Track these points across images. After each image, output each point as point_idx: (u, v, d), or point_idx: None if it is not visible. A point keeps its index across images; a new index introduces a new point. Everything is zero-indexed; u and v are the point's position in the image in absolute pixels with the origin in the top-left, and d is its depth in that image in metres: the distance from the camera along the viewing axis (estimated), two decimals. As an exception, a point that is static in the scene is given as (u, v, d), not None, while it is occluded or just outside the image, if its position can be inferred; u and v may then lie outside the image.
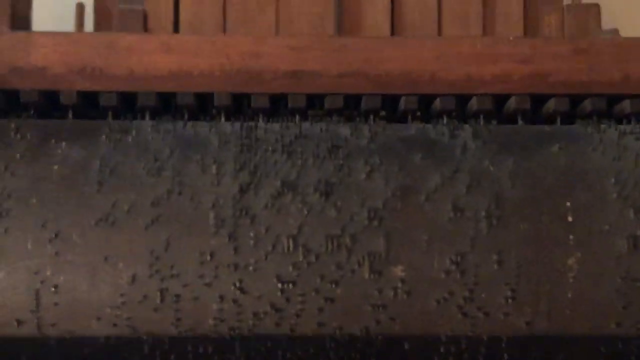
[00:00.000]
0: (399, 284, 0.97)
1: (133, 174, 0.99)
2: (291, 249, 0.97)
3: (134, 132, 1.01)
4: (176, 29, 1.24)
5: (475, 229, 0.98)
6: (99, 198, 0.98)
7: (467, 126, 1.03)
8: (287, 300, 0.97)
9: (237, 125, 1.03)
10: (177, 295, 0.97)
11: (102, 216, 0.97)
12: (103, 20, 1.21)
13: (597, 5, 1.23)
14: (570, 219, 0.97)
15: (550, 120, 1.10)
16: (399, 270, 0.97)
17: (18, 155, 0.98)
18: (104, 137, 1.00)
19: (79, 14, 1.22)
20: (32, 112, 1.07)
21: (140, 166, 0.99)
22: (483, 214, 0.98)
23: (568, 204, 0.97)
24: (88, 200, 0.98)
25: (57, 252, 0.97)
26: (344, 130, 1.02)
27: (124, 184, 0.99)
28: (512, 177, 1.00)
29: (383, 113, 1.11)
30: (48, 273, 0.96)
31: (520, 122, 1.09)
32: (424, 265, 0.97)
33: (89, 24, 1.24)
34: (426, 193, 0.99)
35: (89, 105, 1.08)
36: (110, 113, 1.08)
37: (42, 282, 0.96)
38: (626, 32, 1.20)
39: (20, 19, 1.13)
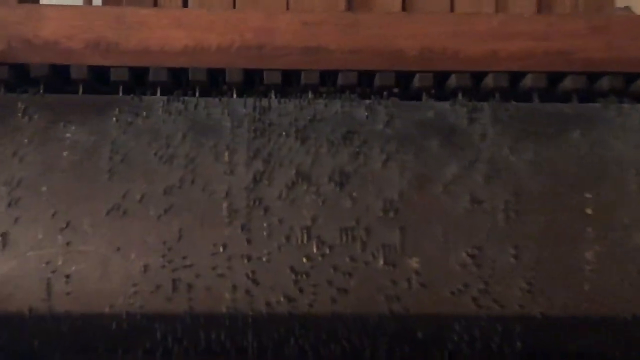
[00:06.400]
0: (413, 276, 0.86)
1: (144, 160, 0.88)
2: (305, 240, 0.87)
3: (144, 114, 0.88)
4: (185, 5, 1.07)
5: (493, 221, 0.87)
6: (110, 187, 0.88)
7: (486, 108, 0.92)
8: (300, 291, 0.86)
9: (250, 105, 0.91)
10: (190, 286, 0.86)
11: (114, 205, 0.87)
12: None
13: (611, -18, 1.07)
14: (589, 212, 0.83)
15: (565, 98, 0.97)
16: (413, 262, 0.87)
17: (26, 140, 0.84)
18: (114, 119, 0.89)
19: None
20: (41, 87, 0.94)
21: (152, 152, 0.89)
22: (501, 206, 0.88)
23: (588, 195, 0.83)
24: (99, 188, 0.87)
25: (69, 242, 0.86)
26: (360, 113, 0.90)
27: (136, 172, 0.88)
28: (531, 167, 0.89)
29: (396, 90, 0.98)
30: (59, 263, 0.86)
31: (535, 100, 0.97)
32: (439, 258, 0.87)
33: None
34: (443, 183, 0.88)
35: (100, 80, 0.97)
36: (121, 88, 0.95)
37: (53, 271, 0.86)
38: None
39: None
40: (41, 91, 0.94)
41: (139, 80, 0.97)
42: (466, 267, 0.86)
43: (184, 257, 0.86)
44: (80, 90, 0.96)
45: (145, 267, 0.86)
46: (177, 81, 0.98)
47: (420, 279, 0.86)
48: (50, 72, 0.95)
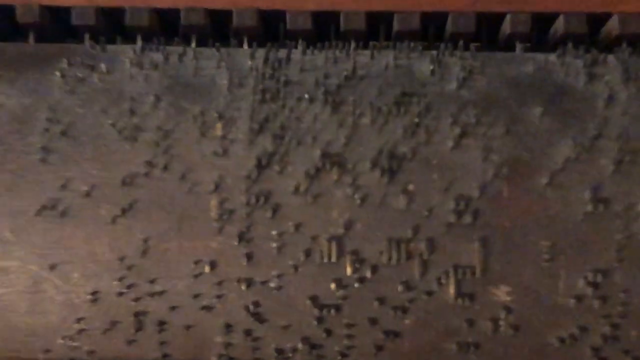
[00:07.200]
0: (502, 314, 0.58)
1: (96, 135, 0.61)
2: (334, 257, 0.58)
3: (103, 67, 0.61)
4: None
5: (627, 231, 0.57)
6: (44, 173, 0.60)
7: (613, 61, 0.63)
8: (328, 333, 0.59)
9: (260, 57, 0.63)
10: (161, 323, 0.59)
11: (48, 202, 0.59)
12: None
13: None
14: None
15: None
16: (502, 293, 0.58)
17: None
18: (57, 75, 0.61)
19: None
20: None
21: (108, 122, 0.61)
22: (640, 207, 0.56)
23: None
24: (26, 176, 0.60)
25: (-20, 255, 0.59)
26: (422, 67, 0.61)
27: (82, 152, 0.60)
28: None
29: (477, 44, 0.66)
30: (-33, 286, 0.59)
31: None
32: (542, 287, 0.58)
33: None
34: (549, 173, 0.58)
35: (61, 27, 0.69)
36: (87, 37, 0.66)
37: (-42, 299, 0.58)
38: None
39: None
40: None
41: (112, 26, 0.68)
42: (584, 300, 0.58)
43: (151, 281, 0.59)
44: (32, 39, 0.67)
45: (95, 294, 0.59)
46: (166, 27, 0.68)
47: (513, 318, 0.58)
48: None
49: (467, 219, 0.58)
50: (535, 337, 0.58)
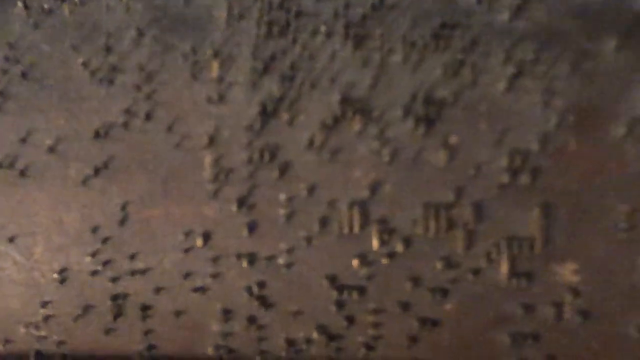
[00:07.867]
0: (567, 297, 0.47)
1: (65, 77, 0.51)
2: (356, 227, 0.48)
3: None
4: None
5: None
6: (0, 124, 0.50)
7: None
8: (350, 320, 0.49)
9: None
10: (145, 307, 0.50)
11: (4, 158, 0.51)
12: None
13: None
14: None
15: None
16: (567, 272, 0.47)
17: None
18: (19, 5, 0.53)
19: None
20: None
21: (78, 62, 0.51)
22: None
23: None
24: None
25: None
26: None
27: (47, 97, 0.51)
28: None
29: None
30: None
31: None
32: (618, 264, 0.47)
33: None
34: (626, 121, 0.48)
35: None
36: None
37: None
38: None
39: None
40: None
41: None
42: (671, 281, 0.47)
43: (131, 257, 0.50)
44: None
45: (63, 273, 0.50)
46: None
47: (581, 303, 0.48)
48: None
49: (524, 179, 0.47)
50: (608, 326, 0.48)
